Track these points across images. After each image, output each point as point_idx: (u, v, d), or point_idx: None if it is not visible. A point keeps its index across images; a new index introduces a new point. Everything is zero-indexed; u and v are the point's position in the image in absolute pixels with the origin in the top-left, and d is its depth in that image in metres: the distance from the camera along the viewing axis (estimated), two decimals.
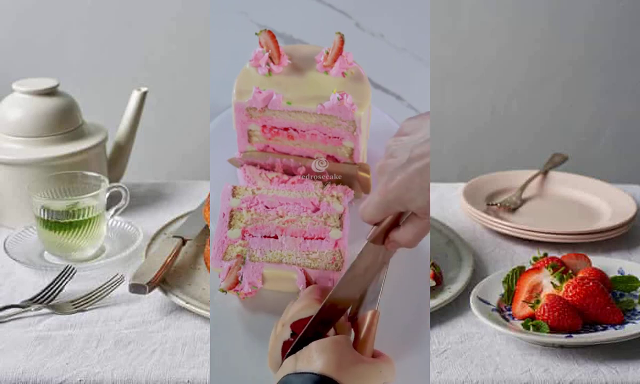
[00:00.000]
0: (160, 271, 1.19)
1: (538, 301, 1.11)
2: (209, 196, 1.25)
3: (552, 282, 1.13)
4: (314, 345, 0.99)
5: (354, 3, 1.57)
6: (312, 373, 0.96)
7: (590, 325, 1.11)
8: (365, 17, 1.55)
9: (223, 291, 1.12)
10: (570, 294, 1.11)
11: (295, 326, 1.01)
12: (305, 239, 1.15)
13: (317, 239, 1.15)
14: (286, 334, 1.02)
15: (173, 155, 2.06)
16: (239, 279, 1.12)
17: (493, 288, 1.18)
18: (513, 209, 1.45)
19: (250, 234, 1.15)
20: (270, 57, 1.24)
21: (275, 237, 1.15)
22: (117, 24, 1.96)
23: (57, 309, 1.17)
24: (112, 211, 1.36)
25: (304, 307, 1.02)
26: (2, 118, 1.41)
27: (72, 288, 1.21)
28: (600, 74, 2.01)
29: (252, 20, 1.54)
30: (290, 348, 1.02)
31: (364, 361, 0.99)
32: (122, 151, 1.50)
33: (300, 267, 1.12)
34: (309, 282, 1.12)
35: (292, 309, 1.03)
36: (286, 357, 1.01)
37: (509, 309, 1.15)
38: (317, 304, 1.02)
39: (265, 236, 1.15)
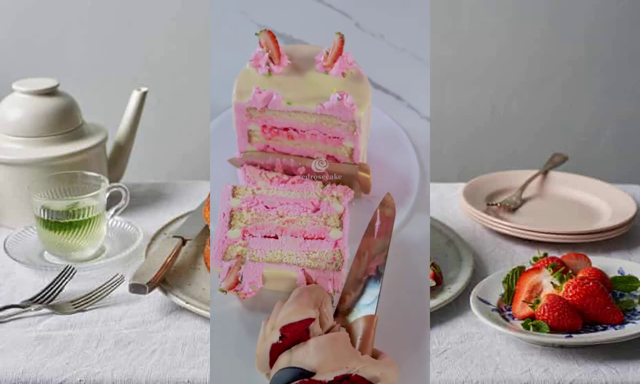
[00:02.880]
0: (160, 271, 1.19)
1: (538, 301, 1.11)
2: (209, 196, 1.25)
3: (552, 282, 1.13)
4: (312, 342, 1.00)
5: (354, 3, 1.57)
6: (304, 370, 0.98)
7: (590, 325, 1.11)
8: (365, 17, 1.55)
9: (223, 291, 1.12)
10: (570, 294, 1.11)
11: (285, 330, 1.01)
12: (305, 239, 1.15)
13: (317, 239, 1.15)
14: (275, 337, 1.01)
15: (173, 155, 2.06)
16: (239, 279, 1.11)
17: (493, 288, 1.18)
18: (513, 209, 1.45)
19: (250, 234, 1.15)
20: (270, 58, 1.24)
21: (276, 237, 1.15)
22: (117, 24, 1.96)
23: (57, 309, 1.17)
24: (112, 211, 1.36)
25: (294, 312, 1.02)
26: (2, 118, 1.41)
27: (72, 288, 1.21)
28: (600, 74, 2.01)
29: (252, 21, 1.54)
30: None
31: (362, 361, 0.99)
32: (122, 151, 1.50)
33: (300, 267, 1.12)
34: (309, 283, 1.12)
35: (282, 313, 1.03)
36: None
37: (509, 309, 1.15)
38: (308, 308, 1.02)
39: (265, 236, 1.15)
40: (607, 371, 1.06)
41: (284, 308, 1.03)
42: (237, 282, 1.12)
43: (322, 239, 1.15)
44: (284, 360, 1.00)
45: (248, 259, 1.12)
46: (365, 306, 1.06)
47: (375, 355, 1.02)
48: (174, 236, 1.28)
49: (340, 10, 1.57)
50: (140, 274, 1.18)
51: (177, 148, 2.05)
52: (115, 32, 1.97)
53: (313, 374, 0.98)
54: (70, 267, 1.22)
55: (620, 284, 1.18)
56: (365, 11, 1.56)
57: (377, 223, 1.14)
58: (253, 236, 1.15)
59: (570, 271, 1.14)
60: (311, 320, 1.02)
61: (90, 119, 1.49)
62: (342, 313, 1.08)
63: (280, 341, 1.01)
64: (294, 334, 1.01)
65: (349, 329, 1.05)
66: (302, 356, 0.99)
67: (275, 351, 1.02)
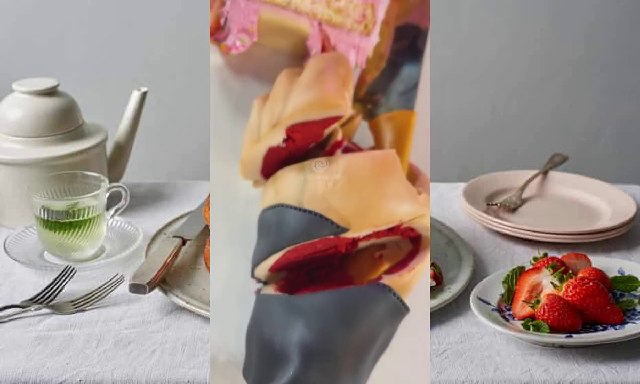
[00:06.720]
0: (160, 271, 1.19)
1: (538, 301, 1.11)
2: (209, 196, 1.25)
3: (552, 282, 1.13)
4: (342, 165, 0.71)
5: None
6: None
7: (590, 325, 1.11)
8: None
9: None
10: (570, 294, 1.11)
11: (295, 131, 0.68)
12: None
13: None
14: (277, 139, 0.69)
15: (173, 155, 2.06)
16: (221, 22, 0.78)
17: (493, 288, 1.18)
18: (513, 209, 1.45)
19: None
20: None
21: None
22: (117, 24, 1.96)
23: (57, 309, 1.17)
24: (112, 211, 1.36)
25: (315, 104, 0.66)
26: (2, 118, 1.41)
27: (72, 288, 1.21)
28: (600, 74, 2.01)
29: None
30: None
31: (422, 206, 0.76)
32: (122, 151, 1.50)
33: (316, 19, 0.79)
34: (324, 46, 0.79)
35: (296, 102, 0.67)
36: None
37: (509, 309, 1.15)
38: (337, 98, 0.65)
39: None
40: (607, 371, 1.06)
41: (298, 91, 0.69)
42: (219, 27, 0.79)
43: None
44: (290, 189, 0.70)
45: None
46: (400, 96, 0.77)
47: (411, 178, 0.76)
48: (174, 236, 1.28)
49: None
50: (140, 274, 1.18)
51: (177, 148, 2.05)
52: (115, 32, 1.97)
53: (343, 230, 0.70)
54: (70, 267, 1.22)
55: (620, 284, 1.18)
56: None
57: None
58: None
59: (570, 271, 1.14)
60: (338, 119, 0.69)
61: (90, 119, 1.49)
62: (361, 101, 0.77)
63: (284, 145, 0.70)
64: (306, 137, 0.69)
65: (374, 127, 0.75)
66: (326, 195, 0.70)
67: (273, 158, 0.71)
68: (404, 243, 0.78)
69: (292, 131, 0.69)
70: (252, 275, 0.83)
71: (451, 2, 1.96)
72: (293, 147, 0.70)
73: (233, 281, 0.89)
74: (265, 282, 0.82)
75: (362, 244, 0.75)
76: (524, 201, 1.48)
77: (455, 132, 2.05)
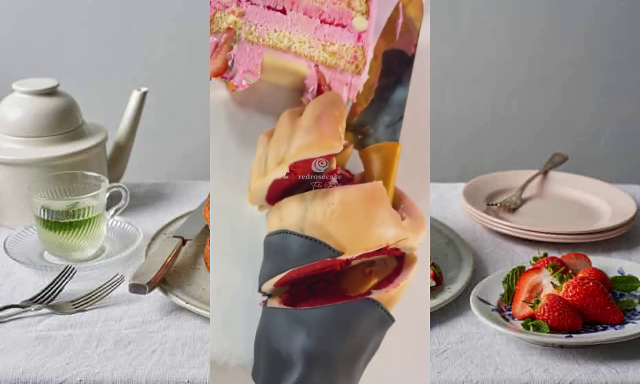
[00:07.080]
0: (160, 271, 1.19)
1: (538, 301, 1.11)
2: (209, 196, 1.25)
3: (552, 283, 1.13)
4: (337, 198, 0.84)
5: None
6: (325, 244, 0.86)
7: (590, 325, 1.11)
8: None
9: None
10: (570, 294, 1.11)
11: (296, 166, 0.81)
12: (322, 22, 0.89)
13: (337, 25, 0.89)
14: (282, 173, 0.82)
15: (173, 155, 2.06)
16: (229, 63, 0.88)
17: (493, 288, 1.18)
18: (513, 209, 1.45)
19: (248, 0, 0.89)
20: None
21: (283, 11, 0.89)
22: (117, 24, 1.96)
23: (57, 309, 1.17)
24: (112, 211, 1.36)
25: (315, 144, 0.80)
26: (2, 118, 1.41)
27: (72, 288, 1.21)
28: (600, 74, 2.01)
29: None
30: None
31: (405, 230, 0.87)
32: (122, 151, 1.50)
33: (313, 62, 0.89)
34: (320, 84, 0.90)
35: (298, 143, 0.81)
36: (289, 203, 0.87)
37: (509, 309, 1.15)
38: (333, 139, 0.79)
39: (269, 7, 0.89)
40: (607, 371, 1.06)
41: (299, 135, 0.81)
42: (226, 68, 0.89)
43: (344, 27, 0.89)
44: (293, 217, 0.83)
45: (243, 37, 0.88)
46: (386, 129, 0.87)
47: (396, 203, 0.88)
48: (174, 236, 1.28)
49: None
50: (140, 274, 1.18)
51: (177, 148, 2.05)
52: (115, 32, 1.97)
53: (339, 254, 0.82)
54: (70, 267, 1.22)
55: (620, 284, 1.18)
56: None
57: (400, 20, 0.90)
58: (253, 4, 0.89)
59: (570, 271, 1.14)
60: (334, 155, 0.82)
61: (90, 119, 1.49)
62: (352, 131, 0.87)
63: (287, 177, 0.82)
64: (306, 170, 0.82)
65: (363, 156, 0.86)
66: (324, 223, 0.81)
67: (277, 187, 0.83)
68: (390, 260, 0.92)
69: (294, 166, 0.82)
70: (259, 290, 0.96)
71: (451, 2, 1.96)
72: (295, 179, 0.83)
73: (241, 293, 1.01)
74: (270, 295, 0.95)
75: (354, 262, 0.90)
76: (524, 201, 1.48)
77: (455, 132, 2.05)
